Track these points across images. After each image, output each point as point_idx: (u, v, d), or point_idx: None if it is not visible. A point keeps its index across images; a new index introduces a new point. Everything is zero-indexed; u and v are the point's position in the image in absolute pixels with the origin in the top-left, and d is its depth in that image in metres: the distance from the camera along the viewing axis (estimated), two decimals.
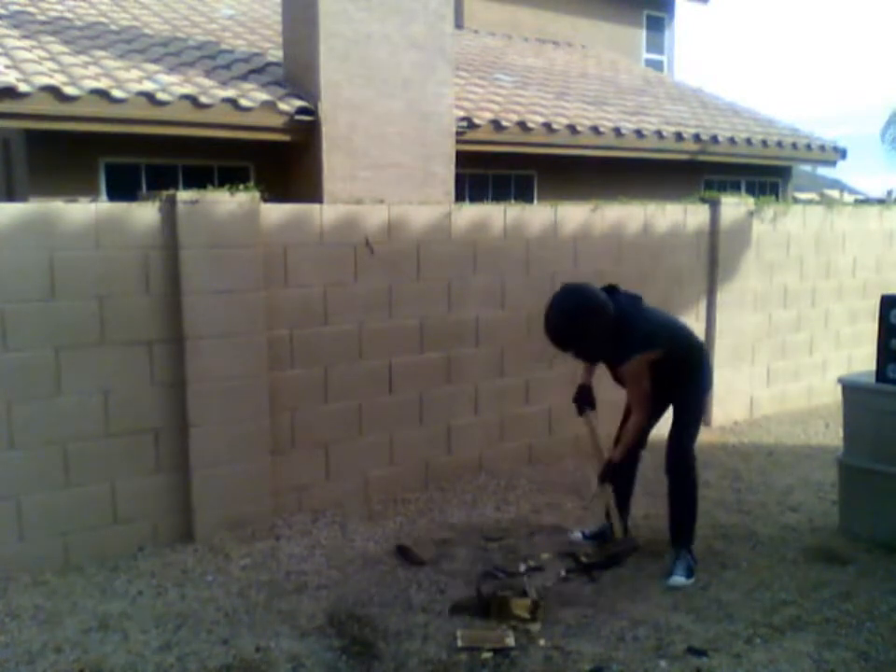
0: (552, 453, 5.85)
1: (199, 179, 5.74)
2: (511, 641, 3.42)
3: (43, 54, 6.59)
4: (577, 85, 10.44)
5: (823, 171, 24.23)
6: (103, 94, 5.94)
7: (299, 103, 6.64)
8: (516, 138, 7.97)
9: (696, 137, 9.41)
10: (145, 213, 4.28)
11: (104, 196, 6.57)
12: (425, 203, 5.97)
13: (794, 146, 10.60)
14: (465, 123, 7.44)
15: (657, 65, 14.36)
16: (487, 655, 3.34)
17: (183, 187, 6.00)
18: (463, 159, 7.32)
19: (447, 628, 3.56)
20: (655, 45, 14.58)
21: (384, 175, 6.79)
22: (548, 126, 8.16)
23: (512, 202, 6.27)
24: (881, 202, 15.01)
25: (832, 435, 6.48)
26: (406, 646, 3.43)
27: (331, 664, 3.33)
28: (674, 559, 4.08)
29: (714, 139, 9.55)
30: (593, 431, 4.28)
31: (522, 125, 7.96)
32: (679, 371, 4.07)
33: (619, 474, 4.25)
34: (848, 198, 21.69)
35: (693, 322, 6.57)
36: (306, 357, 4.84)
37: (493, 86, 9.14)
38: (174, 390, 4.42)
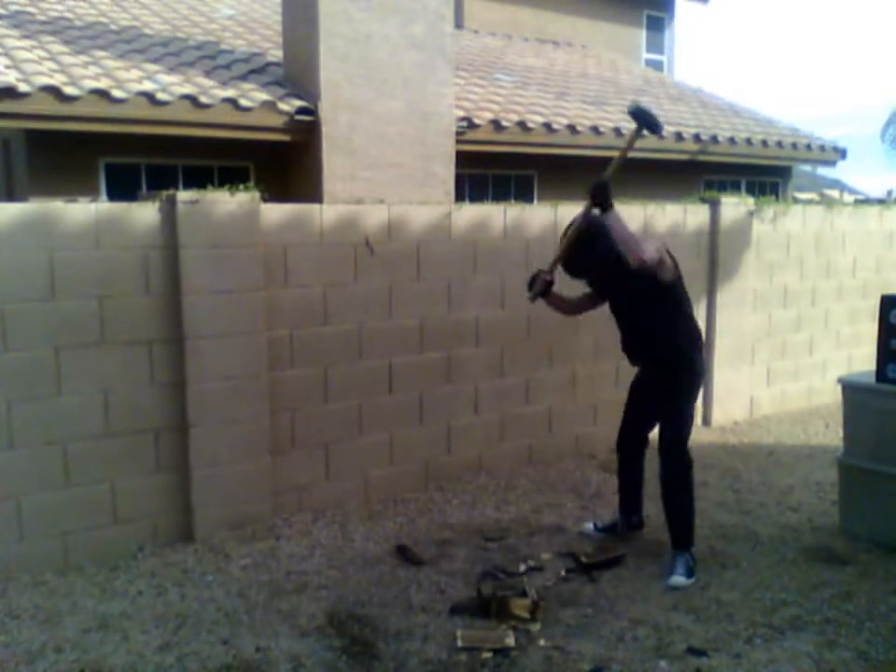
0: (552, 453, 5.85)
1: (199, 179, 5.74)
2: (510, 641, 3.42)
3: (43, 54, 6.59)
4: (577, 85, 10.43)
5: (823, 171, 24.26)
6: (103, 94, 5.94)
7: (299, 103, 6.64)
8: (516, 138, 7.97)
9: (696, 137, 9.41)
10: (145, 213, 4.28)
11: (104, 196, 6.57)
12: (425, 203, 5.97)
13: (794, 146, 10.60)
14: (465, 123, 7.44)
15: (657, 65, 14.36)
16: (487, 655, 3.34)
17: (183, 187, 6.00)
18: (463, 159, 7.32)
19: (447, 628, 3.56)
20: (655, 45, 14.58)
21: (384, 175, 6.79)
22: (548, 126, 8.16)
23: (512, 202, 6.27)
24: (881, 202, 15.02)
25: (832, 435, 6.48)
26: (406, 646, 3.43)
27: (331, 664, 3.33)
28: (674, 559, 4.07)
29: (714, 139, 9.54)
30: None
31: (522, 125, 7.96)
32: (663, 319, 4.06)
33: (624, 469, 4.33)
34: (848, 198, 21.70)
35: None
36: (306, 357, 4.84)
37: (493, 86, 9.13)
38: (174, 390, 4.42)
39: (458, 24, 10.93)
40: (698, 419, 6.55)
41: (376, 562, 4.26)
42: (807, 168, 20.15)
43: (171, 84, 6.43)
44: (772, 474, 5.67)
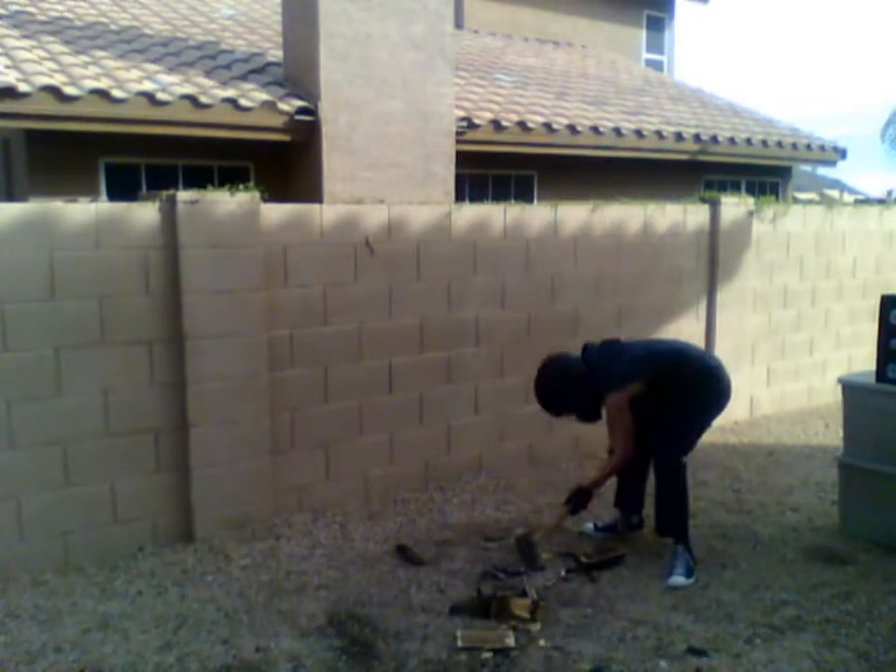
0: (552, 453, 5.85)
1: (199, 179, 5.73)
2: (510, 641, 3.42)
3: (43, 54, 6.60)
4: (577, 85, 10.44)
5: (823, 171, 24.26)
6: (103, 94, 5.95)
7: (299, 103, 6.64)
8: (516, 138, 7.97)
9: (696, 137, 9.42)
10: (145, 213, 4.28)
11: (104, 196, 6.57)
12: (425, 203, 5.97)
13: (794, 146, 10.60)
14: (465, 123, 7.44)
15: (657, 65, 14.36)
16: (487, 655, 3.34)
17: (183, 187, 6.00)
18: (463, 159, 7.33)
19: (447, 628, 3.56)
20: (655, 45, 14.58)
21: (384, 175, 6.79)
22: (548, 126, 8.16)
23: (512, 202, 6.26)
24: (881, 202, 15.02)
25: (832, 435, 6.47)
26: (406, 646, 3.43)
27: (331, 664, 3.33)
28: (673, 558, 4.07)
29: (714, 139, 9.55)
30: (559, 520, 4.40)
31: (522, 125, 7.96)
32: (676, 392, 4.11)
33: (630, 470, 4.39)
34: (848, 198, 21.70)
35: (693, 322, 6.58)
36: (306, 357, 4.84)
37: (493, 86, 9.14)
38: (174, 390, 4.42)
39: (458, 24, 10.94)
40: None
41: (376, 562, 4.26)
42: (807, 168, 20.16)
43: (171, 84, 6.43)
44: (772, 474, 5.67)
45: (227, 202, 4.44)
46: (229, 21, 9.46)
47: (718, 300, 6.70)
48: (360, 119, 6.69)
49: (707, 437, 6.35)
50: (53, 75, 6.04)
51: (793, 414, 7.23)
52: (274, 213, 4.68)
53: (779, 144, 10.34)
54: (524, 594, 3.75)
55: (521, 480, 5.49)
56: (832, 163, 11.55)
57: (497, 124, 7.76)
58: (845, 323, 7.80)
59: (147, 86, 6.26)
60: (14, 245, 3.95)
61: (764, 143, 10.16)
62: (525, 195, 8.72)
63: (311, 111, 6.61)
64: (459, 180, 7.35)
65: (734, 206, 6.73)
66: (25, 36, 7.06)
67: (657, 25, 14.54)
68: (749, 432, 6.71)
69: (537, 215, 5.72)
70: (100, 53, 6.91)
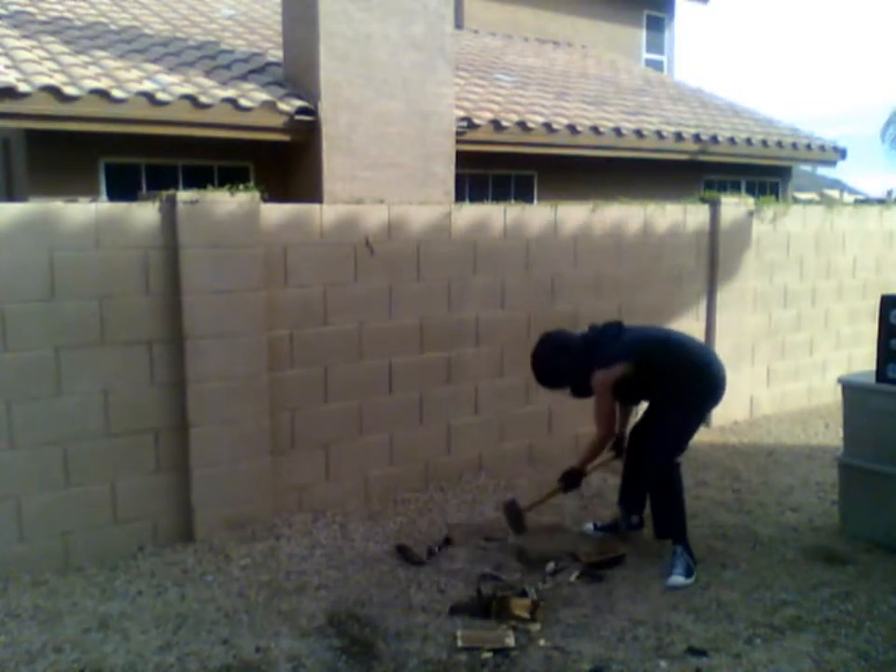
0: (552, 453, 5.85)
1: (199, 179, 5.74)
2: (510, 641, 3.42)
3: (43, 54, 6.59)
4: (577, 85, 10.44)
5: (823, 171, 24.25)
6: (103, 94, 5.94)
7: (299, 103, 6.64)
8: (516, 138, 7.97)
9: (696, 137, 9.42)
10: (145, 213, 4.28)
11: (104, 196, 6.57)
12: (425, 203, 5.97)
13: (794, 146, 10.60)
14: (465, 123, 7.44)
15: (657, 65, 14.36)
16: (487, 655, 3.34)
17: (183, 187, 6.00)
18: (463, 159, 7.32)
19: (447, 628, 3.56)
20: (655, 45, 14.58)
21: (383, 175, 6.79)
22: (548, 126, 8.16)
23: (512, 202, 6.26)
24: (881, 202, 15.02)
25: (832, 435, 6.47)
26: (406, 646, 3.43)
27: (331, 664, 3.33)
28: (672, 558, 4.07)
29: (714, 139, 9.55)
30: (549, 496, 4.49)
31: (522, 125, 7.96)
32: (664, 383, 4.13)
33: (630, 469, 4.43)
34: (848, 198, 21.70)
35: (694, 322, 6.58)
36: (306, 357, 4.84)
37: (493, 86, 9.14)
38: (174, 390, 4.42)
39: (458, 24, 10.94)
40: None
41: (376, 562, 4.26)
42: (807, 168, 20.16)
43: (171, 84, 6.43)
44: (772, 474, 5.67)
45: (227, 202, 4.45)
46: (229, 21, 9.46)
47: (718, 299, 6.70)
48: (360, 119, 6.69)
49: (707, 437, 6.40)
50: (53, 75, 6.03)
51: (793, 414, 7.23)
52: (274, 213, 4.68)
53: (779, 144, 10.34)
54: (524, 594, 3.76)
55: (521, 480, 5.48)
56: (832, 163, 11.55)
57: (496, 124, 7.76)
58: (845, 323, 7.80)
59: (147, 86, 6.26)
60: (14, 245, 3.95)
61: (764, 143, 10.16)
62: (525, 195, 8.72)
63: (311, 111, 6.61)
64: (459, 180, 7.34)
65: (734, 206, 6.73)
66: (25, 36, 7.05)
67: (657, 25, 14.54)
68: (749, 432, 6.71)
69: (537, 215, 5.72)
70: (100, 53, 6.91)
